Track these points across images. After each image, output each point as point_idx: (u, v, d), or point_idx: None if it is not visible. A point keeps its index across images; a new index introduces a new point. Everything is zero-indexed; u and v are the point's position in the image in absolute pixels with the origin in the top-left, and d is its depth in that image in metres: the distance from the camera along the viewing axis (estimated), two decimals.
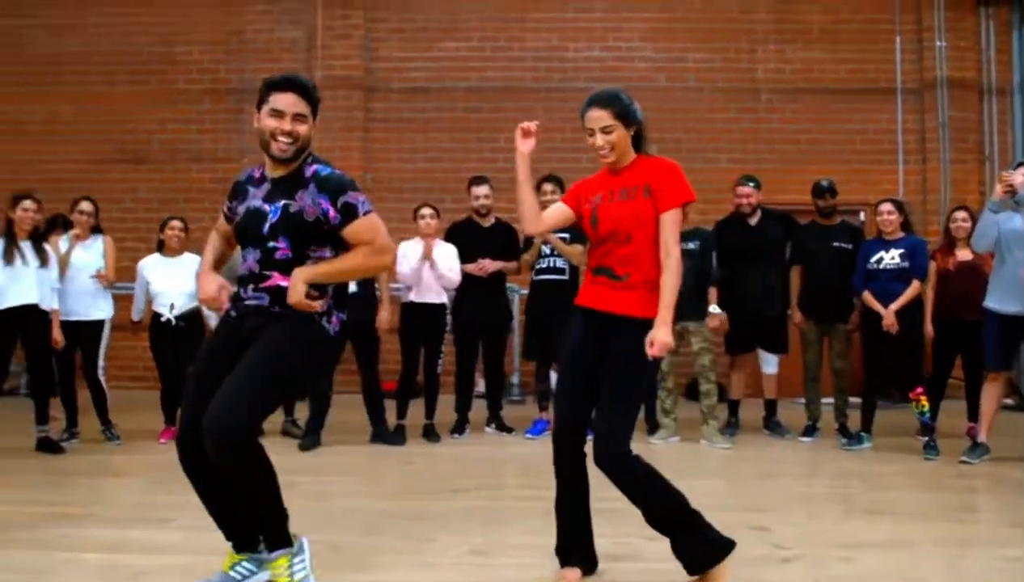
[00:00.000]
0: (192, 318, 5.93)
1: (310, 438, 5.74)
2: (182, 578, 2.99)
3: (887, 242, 5.80)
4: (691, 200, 2.97)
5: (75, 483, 4.70)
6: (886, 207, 5.85)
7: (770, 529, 3.76)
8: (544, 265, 6.19)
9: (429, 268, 6.00)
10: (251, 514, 2.75)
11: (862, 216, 8.55)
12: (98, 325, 5.87)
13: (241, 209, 2.83)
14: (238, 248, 2.97)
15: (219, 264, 3.02)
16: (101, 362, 5.96)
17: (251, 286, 2.76)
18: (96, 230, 6.00)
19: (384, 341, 6.17)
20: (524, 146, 3.06)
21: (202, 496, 2.77)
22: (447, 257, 6.09)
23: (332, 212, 2.72)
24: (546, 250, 6.16)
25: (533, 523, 3.73)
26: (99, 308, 5.89)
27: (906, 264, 5.68)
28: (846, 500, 4.45)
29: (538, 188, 6.22)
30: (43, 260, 5.51)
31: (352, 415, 6.27)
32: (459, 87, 9.10)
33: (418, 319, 6.06)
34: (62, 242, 5.82)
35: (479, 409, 6.59)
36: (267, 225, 2.72)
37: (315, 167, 2.78)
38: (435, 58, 9.14)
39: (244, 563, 2.83)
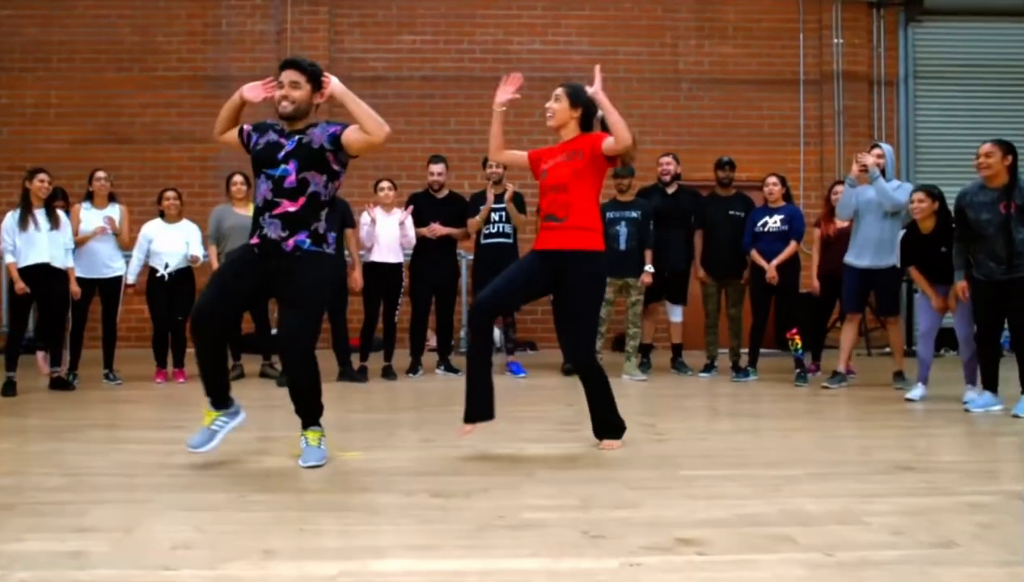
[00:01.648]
0: (184, 274, 6.94)
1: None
2: (202, 459, 4.02)
3: (771, 209, 6.98)
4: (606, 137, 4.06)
5: (97, 408, 5.67)
6: (771, 180, 7.03)
7: (654, 425, 4.89)
8: (493, 230, 7.21)
9: (400, 226, 7.01)
10: (303, 404, 3.79)
11: None
12: (116, 281, 6.85)
13: (261, 140, 3.77)
14: None
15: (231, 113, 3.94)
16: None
17: (267, 214, 3.69)
18: (112, 198, 6.92)
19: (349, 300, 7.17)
20: (502, 95, 4.19)
21: (203, 361, 3.73)
22: (407, 222, 7.13)
23: (337, 129, 3.69)
24: (495, 217, 7.18)
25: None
26: (116, 267, 6.85)
27: (786, 228, 6.87)
28: (716, 409, 5.65)
29: (483, 165, 7.33)
30: (55, 224, 6.40)
31: (322, 363, 7.27)
32: (415, 76, 10.10)
33: (378, 277, 7.11)
34: (83, 209, 6.75)
35: (432, 356, 7.69)
36: (283, 152, 3.69)
37: (325, 121, 3.83)
38: (393, 50, 10.15)
39: (221, 418, 3.84)
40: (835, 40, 10.05)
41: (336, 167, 3.79)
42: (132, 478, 3.57)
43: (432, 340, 7.88)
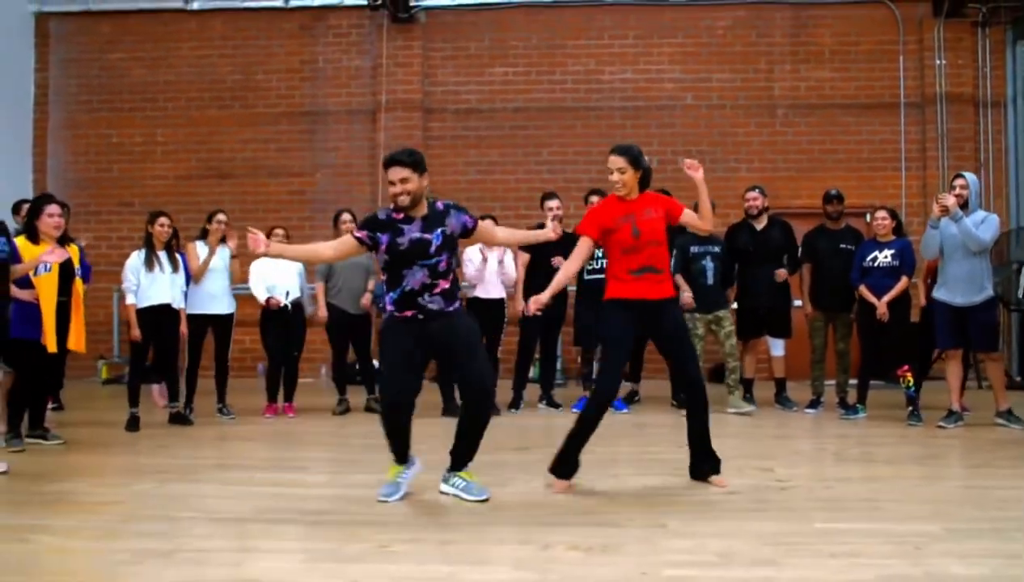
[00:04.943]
0: (297, 306, 7.13)
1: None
2: (335, 503, 4.13)
3: (881, 243, 6.82)
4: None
5: (219, 446, 5.83)
6: (881, 214, 6.88)
7: (774, 470, 4.81)
8: (595, 266, 7.11)
9: (499, 265, 7.10)
10: (476, 441, 4.24)
11: (868, 218, 9.50)
12: (229, 318, 7.03)
13: (402, 240, 4.00)
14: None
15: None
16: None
17: (427, 294, 4.02)
18: (222, 240, 7.06)
19: None
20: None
21: (395, 434, 4.12)
22: (506, 260, 7.19)
23: (471, 222, 4.18)
24: (598, 253, 7.11)
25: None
26: (229, 304, 7.03)
27: (897, 263, 6.70)
28: (836, 452, 5.51)
29: (585, 201, 7.27)
30: (175, 266, 6.65)
31: (425, 396, 7.34)
32: (507, 108, 10.20)
33: (482, 312, 7.14)
34: (199, 247, 6.93)
35: (533, 389, 7.70)
36: (433, 246, 4.01)
37: (440, 203, 4.13)
38: (485, 82, 10.29)
39: (404, 472, 4.20)
40: (938, 61, 9.79)
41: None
42: (274, 525, 3.69)
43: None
